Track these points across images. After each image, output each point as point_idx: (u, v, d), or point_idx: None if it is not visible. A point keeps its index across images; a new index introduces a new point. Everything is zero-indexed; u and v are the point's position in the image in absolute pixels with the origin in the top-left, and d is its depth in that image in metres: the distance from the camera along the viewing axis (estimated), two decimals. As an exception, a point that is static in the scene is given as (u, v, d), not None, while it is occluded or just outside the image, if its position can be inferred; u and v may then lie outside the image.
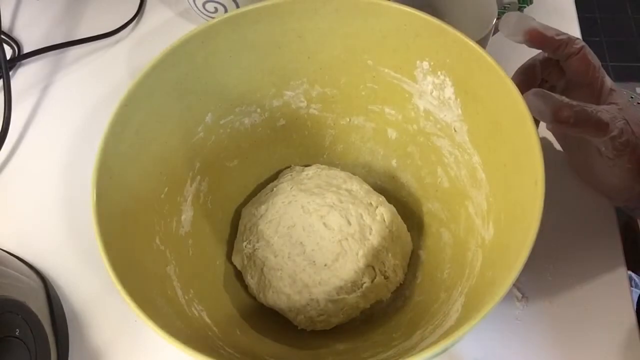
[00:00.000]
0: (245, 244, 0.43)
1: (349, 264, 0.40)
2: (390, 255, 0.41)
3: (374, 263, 0.41)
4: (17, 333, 0.36)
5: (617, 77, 1.48)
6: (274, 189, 0.45)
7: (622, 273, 0.43)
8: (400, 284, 0.43)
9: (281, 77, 0.42)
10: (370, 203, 0.43)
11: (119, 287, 0.30)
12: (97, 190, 0.33)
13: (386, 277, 0.41)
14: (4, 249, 0.46)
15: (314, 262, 0.41)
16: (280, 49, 0.41)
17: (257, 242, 0.42)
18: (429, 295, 0.40)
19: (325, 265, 0.40)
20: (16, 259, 0.45)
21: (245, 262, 0.43)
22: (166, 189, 0.39)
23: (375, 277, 0.41)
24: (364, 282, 0.40)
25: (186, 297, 0.37)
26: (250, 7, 0.38)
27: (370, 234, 0.41)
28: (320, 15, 0.39)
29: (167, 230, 0.39)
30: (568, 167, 0.47)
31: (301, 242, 0.41)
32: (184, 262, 0.39)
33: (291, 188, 0.44)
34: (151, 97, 0.37)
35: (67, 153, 0.52)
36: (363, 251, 0.41)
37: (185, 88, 0.39)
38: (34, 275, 0.44)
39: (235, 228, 0.46)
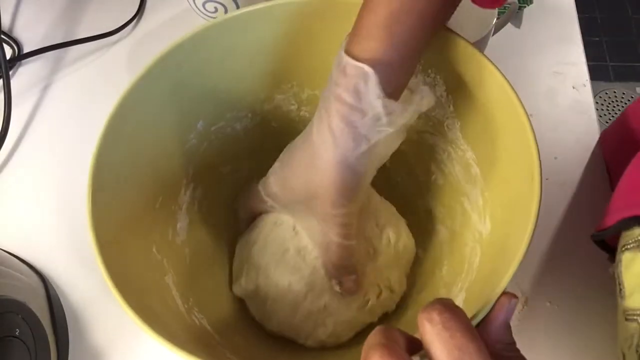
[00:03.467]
0: (244, 280, 0.41)
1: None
2: (394, 270, 0.41)
3: (378, 281, 0.40)
4: (17, 333, 0.36)
5: (617, 77, 1.48)
6: None
7: (622, 273, 0.43)
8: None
9: (271, 80, 0.42)
10: (377, 223, 0.41)
11: (119, 299, 0.29)
12: (92, 204, 0.32)
13: (392, 291, 0.41)
14: (4, 249, 0.46)
15: (314, 286, 0.39)
16: (270, 52, 0.40)
17: (257, 277, 0.41)
18: (428, 292, 0.40)
19: (326, 289, 0.39)
20: (16, 259, 0.45)
21: (247, 293, 0.42)
22: (160, 198, 0.39)
23: (380, 293, 0.40)
24: (369, 300, 0.39)
25: (186, 306, 0.37)
26: (240, 11, 0.37)
27: (373, 252, 0.40)
28: (309, 18, 0.38)
29: (164, 240, 0.39)
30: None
31: (299, 268, 0.40)
32: (182, 270, 0.39)
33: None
34: (142, 107, 0.36)
35: (67, 153, 0.52)
36: (365, 269, 0.39)
37: (175, 96, 0.39)
38: (34, 275, 0.44)
39: (231, 233, 0.45)
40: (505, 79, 0.33)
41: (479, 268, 0.35)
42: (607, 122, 1.40)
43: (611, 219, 0.36)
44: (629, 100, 1.44)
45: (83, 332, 0.44)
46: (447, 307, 0.23)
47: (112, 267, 0.31)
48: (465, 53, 0.35)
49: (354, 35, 0.32)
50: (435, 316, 0.22)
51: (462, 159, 0.39)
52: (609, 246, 0.40)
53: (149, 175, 0.38)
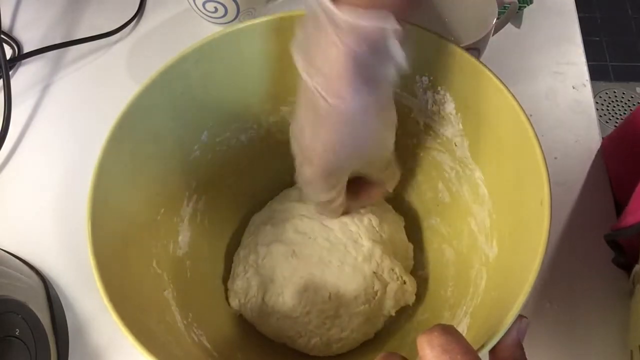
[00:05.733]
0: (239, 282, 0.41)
1: (354, 272, 0.39)
2: (392, 258, 0.41)
3: (378, 270, 0.40)
4: (17, 333, 0.36)
5: (617, 77, 1.48)
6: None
7: (623, 272, 0.43)
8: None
9: (278, 92, 0.41)
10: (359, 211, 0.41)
11: (118, 320, 0.29)
12: (92, 219, 0.32)
13: (404, 282, 0.40)
14: (4, 249, 0.46)
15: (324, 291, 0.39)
16: (276, 64, 0.40)
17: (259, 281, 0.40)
18: (432, 313, 0.40)
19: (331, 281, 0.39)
20: (16, 259, 0.45)
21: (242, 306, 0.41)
22: (162, 210, 0.39)
23: (388, 284, 0.40)
24: (377, 290, 0.39)
25: (185, 322, 0.37)
26: (246, 23, 0.37)
27: (360, 238, 0.40)
28: None
29: (164, 253, 0.38)
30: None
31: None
32: (182, 284, 0.39)
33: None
34: (145, 119, 0.36)
35: (67, 153, 0.52)
36: (362, 256, 0.39)
37: (180, 107, 0.38)
38: (34, 275, 0.44)
39: (232, 246, 0.45)
40: (515, 98, 0.32)
41: (485, 292, 0.35)
42: (607, 122, 1.40)
43: (631, 219, 0.35)
44: (629, 100, 1.44)
45: (83, 332, 0.44)
46: (447, 330, 0.23)
47: (111, 286, 0.30)
48: (475, 71, 0.34)
49: None
50: (435, 339, 0.22)
51: (470, 178, 0.39)
52: (619, 245, 0.40)
53: (152, 188, 0.38)
